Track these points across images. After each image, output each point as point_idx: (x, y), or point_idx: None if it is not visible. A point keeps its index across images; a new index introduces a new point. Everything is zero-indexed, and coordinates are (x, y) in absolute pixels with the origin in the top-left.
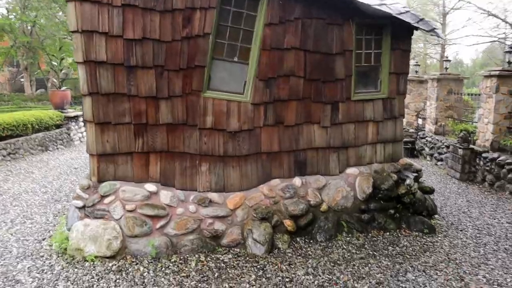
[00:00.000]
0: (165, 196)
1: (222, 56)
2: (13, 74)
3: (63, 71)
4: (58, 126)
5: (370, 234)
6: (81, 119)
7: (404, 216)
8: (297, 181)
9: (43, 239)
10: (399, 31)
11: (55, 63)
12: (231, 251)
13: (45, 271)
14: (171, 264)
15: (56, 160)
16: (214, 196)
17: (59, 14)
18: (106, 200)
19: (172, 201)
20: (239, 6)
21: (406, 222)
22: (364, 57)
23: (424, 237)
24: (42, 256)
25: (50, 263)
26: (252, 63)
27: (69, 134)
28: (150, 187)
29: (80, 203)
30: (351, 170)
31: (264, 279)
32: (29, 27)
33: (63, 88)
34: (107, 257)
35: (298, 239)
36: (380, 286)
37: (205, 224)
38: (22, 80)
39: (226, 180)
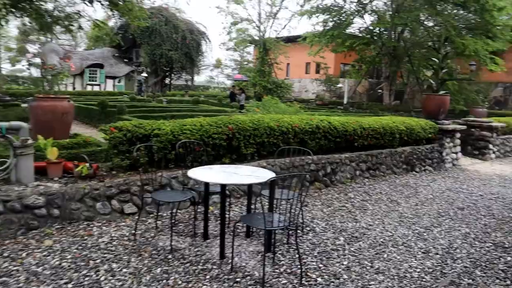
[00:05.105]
0: None
1: None
2: (371, 85)
3: (444, 70)
4: (428, 141)
5: None
6: (458, 135)
7: None
8: None
9: None
10: None
11: (436, 60)
12: None
13: None
14: None
15: (427, 188)
16: None
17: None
18: None
19: None
20: None
21: None
22: None
23: None
24: None
25: None
26: None
27: (440, 153)
28: None
29: None
30: None
31: None
32: (396, 34)
33: (441, 92)
34: None
35: None
36: None
37: None
38: (379, 91)
39: None
